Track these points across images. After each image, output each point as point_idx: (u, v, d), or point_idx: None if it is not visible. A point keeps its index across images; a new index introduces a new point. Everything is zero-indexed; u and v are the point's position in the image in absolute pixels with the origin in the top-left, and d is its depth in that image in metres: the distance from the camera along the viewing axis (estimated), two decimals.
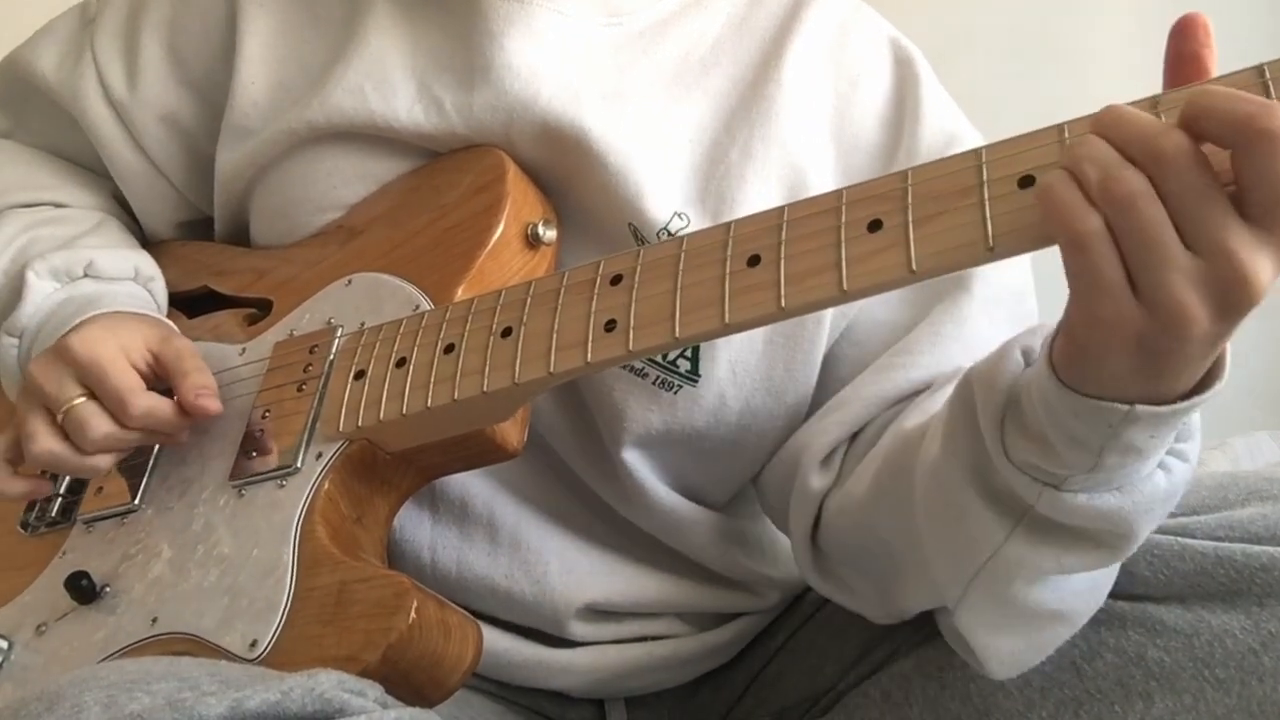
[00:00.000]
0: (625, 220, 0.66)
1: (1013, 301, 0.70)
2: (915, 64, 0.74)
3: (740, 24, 0.74)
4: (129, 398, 0.64)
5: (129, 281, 0.76)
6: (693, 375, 0.67)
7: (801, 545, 0.69)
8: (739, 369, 0.67)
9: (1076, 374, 0.46)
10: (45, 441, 0.65)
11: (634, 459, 0.69)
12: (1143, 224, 0.41)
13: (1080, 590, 0.55)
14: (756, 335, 0.68)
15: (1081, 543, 0.52)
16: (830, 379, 0.70)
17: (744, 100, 0.71)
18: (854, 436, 0.68)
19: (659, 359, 0.66)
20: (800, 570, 0.71)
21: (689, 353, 0.66)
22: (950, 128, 0.72)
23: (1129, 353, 0.44)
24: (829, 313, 0.69)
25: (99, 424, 0.64)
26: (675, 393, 0.67)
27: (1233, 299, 0.41)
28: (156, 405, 0.65)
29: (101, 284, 0.74)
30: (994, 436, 0.51)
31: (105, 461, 0.66)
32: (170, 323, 0.73)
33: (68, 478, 0.71)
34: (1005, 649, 0.57)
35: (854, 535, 0.66)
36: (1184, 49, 0.45)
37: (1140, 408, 0.45)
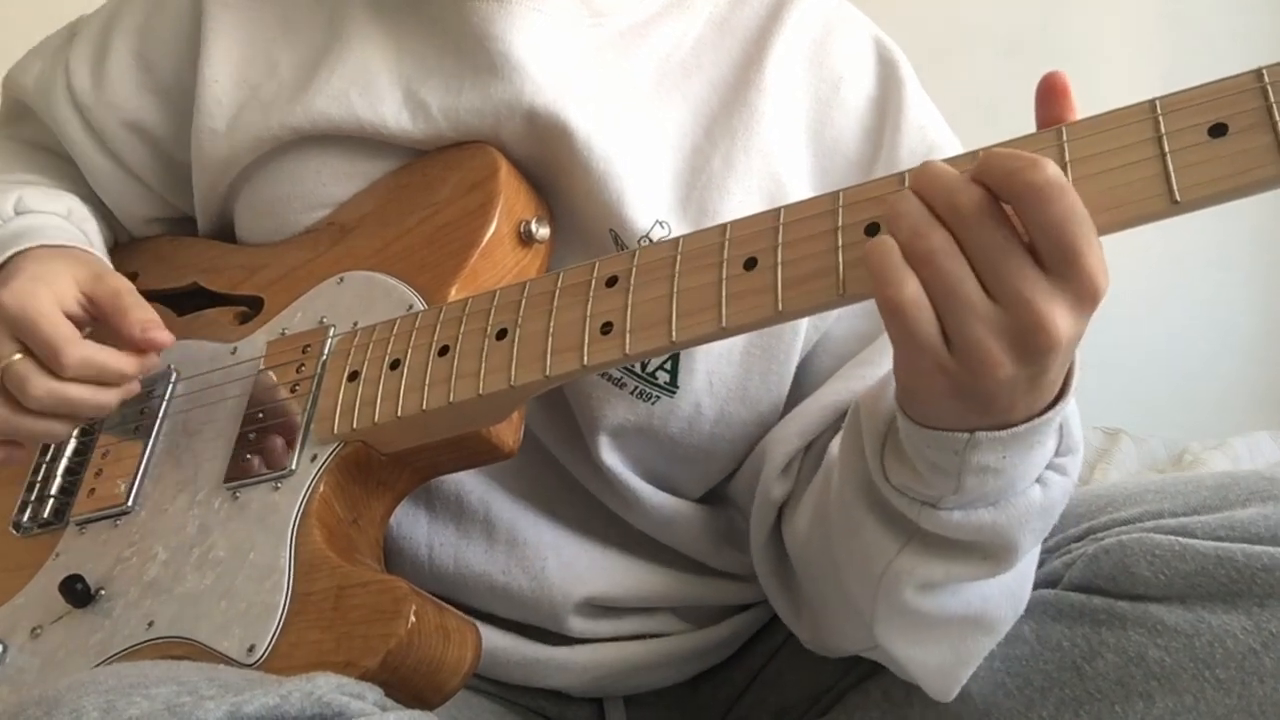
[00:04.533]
0: (606, 225, 0.66)
1: None
2: (899, 68, 0.73)
3: (722, 24, 0.73)
4: (63, 347, 0.62)
5: (60, 218, 0.75)
6: (671, 387, 0.67)
7: (760, 551, 0.70)
8: (715, 379, 0.67)
9: (916, 411, 0.50)
10: (2, 415, 0.63)
11: (611, 459, 0.69)
12: (945, 279, 0.44)
13: (992, 595, 0.57)
14: (734, 346, 0.67)
15: (967, 554, 0.54)
16: (804, 387, 0.70)
17: (725, 105, 0.70)
18: (810, 446, 0.68)
19: (639, 370, 0.66)
20: (760, 576, 0.72)
21: (669, 365, 0.66)
22: (931, 138, 0.71)
23: (951, 396, 0.47)
24: (804, 324, 0.69)
25: (39, 381, 0.62)
26: (653, 403, 0.67)
27: (1032, 344, 0.44)
28: (93, 353, 0.63)
29: (29, 218, 0.73)
30: (875, 461, 0.55)
31: (59, 427, 0.64)
32: (101, 258, 0.72)
33: (59, 479, 0.70)
34: (930, 660, 0.60)
35: (798, 557, 0.68)
36: (1048, 116, 0.47)
37: (980, 434, 0.48)
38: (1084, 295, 0.44)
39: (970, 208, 0.44)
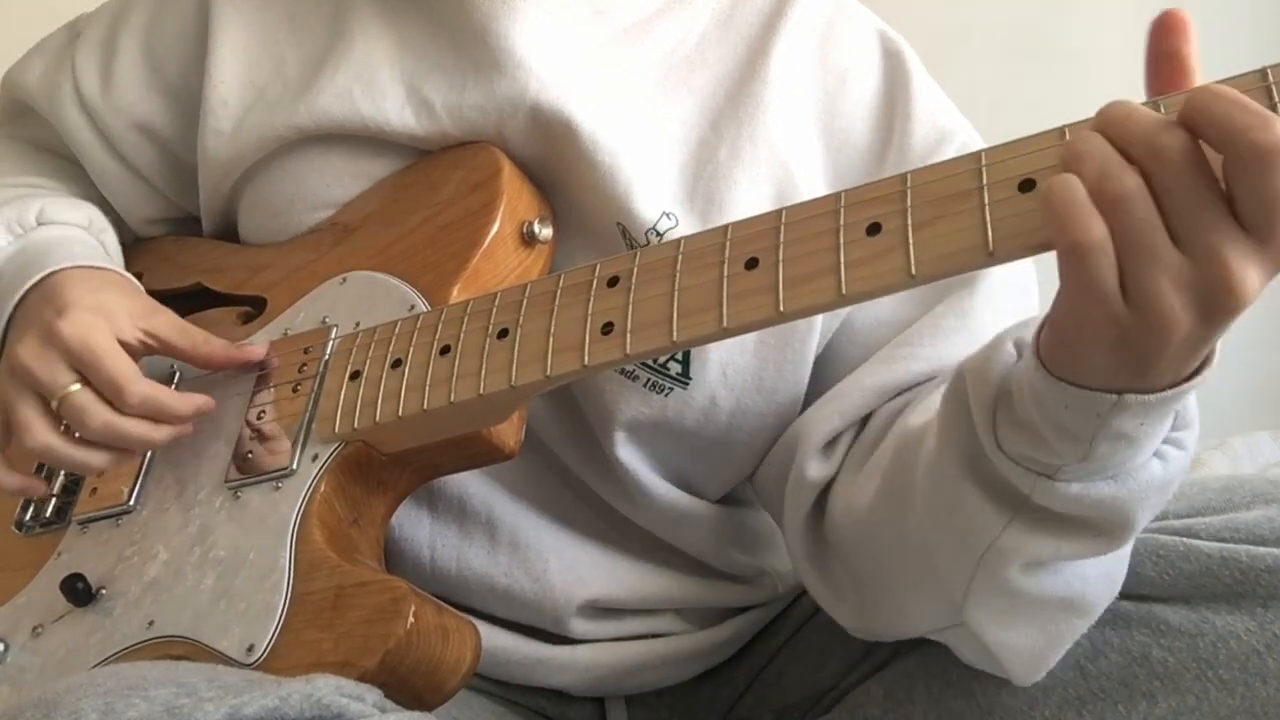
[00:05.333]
0: (614, 220, 0.65)
1: (1016, 294, 0.70)
2: (905, 58, 0.73)
3: (726, 20, 0.73)
4: (126, 385, 0.63)
5: (81, 230, 0.75)
6: (683, 378, 0.66)
7: (795, 535, 0.68)
8: (730, 371, 0.67)
9: (1064, 367, 0.46)
10: (43, 434, 0.64)
11: (627, 455, 0.68)
12: (1135, 225, 0.41)
13: (1091, 576, 0.55)
14: (748, 337, 0.67)
15: (1080, 530, 0.51)
16: (829, 375, 0.70)
17: (731, 98, 0.70)
18: (860, 427, 0.67)
19: (650, 361, 0.65)
20: (793, 562, 0.70)
21: (680, 355, 0.66)
22: (943, 123, 0.71)
23: (1114, 350, 0.44)
24: (819, 315, 0.68)
25: (98, 412, 0.63)
26: (666, 395, 0.66)
27: (1218, 303, 0.41)
28: (154, 392, 0.64)
29: (54, 229, 0.73)
30: (986, 429, 0.51)
31: (102, 459, 0.65)
32: (135, 281, 0.73)
33: (61, 478, 0.71)
34: (1020, 643, 0.57)
35: (856, 538, 0.65)
36: (1164, 47, 0.44)
37: (1129, 396, 0.45)
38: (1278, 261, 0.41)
39: (1176, 152, 0.41)
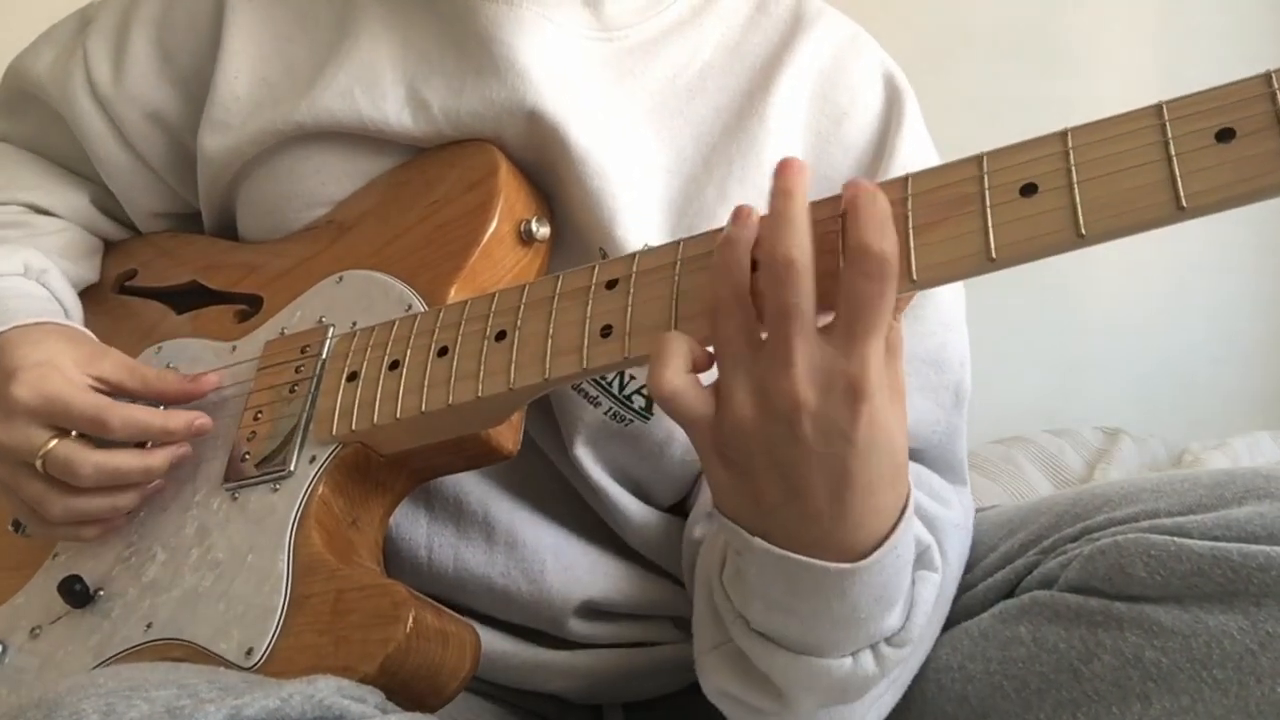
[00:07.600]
0: (596, 244, 0.66)
1: (928, 371, 0.69)
2: (904, 106, 0.73)
3: (733, 49, 0.73)
4: (103, 413, 0.62)
5: (18, 278, 0.74)
6: (645, 413, 0.67)
7: (687, 584, 0.70)
8: None
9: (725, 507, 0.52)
10: (59, 503, 0.63)
11: (587, 461, 0.69)
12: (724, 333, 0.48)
13: None
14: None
15: (764, 684, 0.56)
16: None
17: (727, 132, 0.70)
18: None
19: (616, 391, 0.66)
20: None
21: (645, 389, 0.66)
22: None
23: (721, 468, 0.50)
24: None
25: (84, 458, 0.62)
26: (625, 425, 0.67)
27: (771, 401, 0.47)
28: (135, 412, 0.64)
29: None
30: (717, 557, 0.58)
31: (122, 499, 0.65)
32: (80, 328, 0.72)
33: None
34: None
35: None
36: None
37: (754, 539, 0.50)
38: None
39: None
